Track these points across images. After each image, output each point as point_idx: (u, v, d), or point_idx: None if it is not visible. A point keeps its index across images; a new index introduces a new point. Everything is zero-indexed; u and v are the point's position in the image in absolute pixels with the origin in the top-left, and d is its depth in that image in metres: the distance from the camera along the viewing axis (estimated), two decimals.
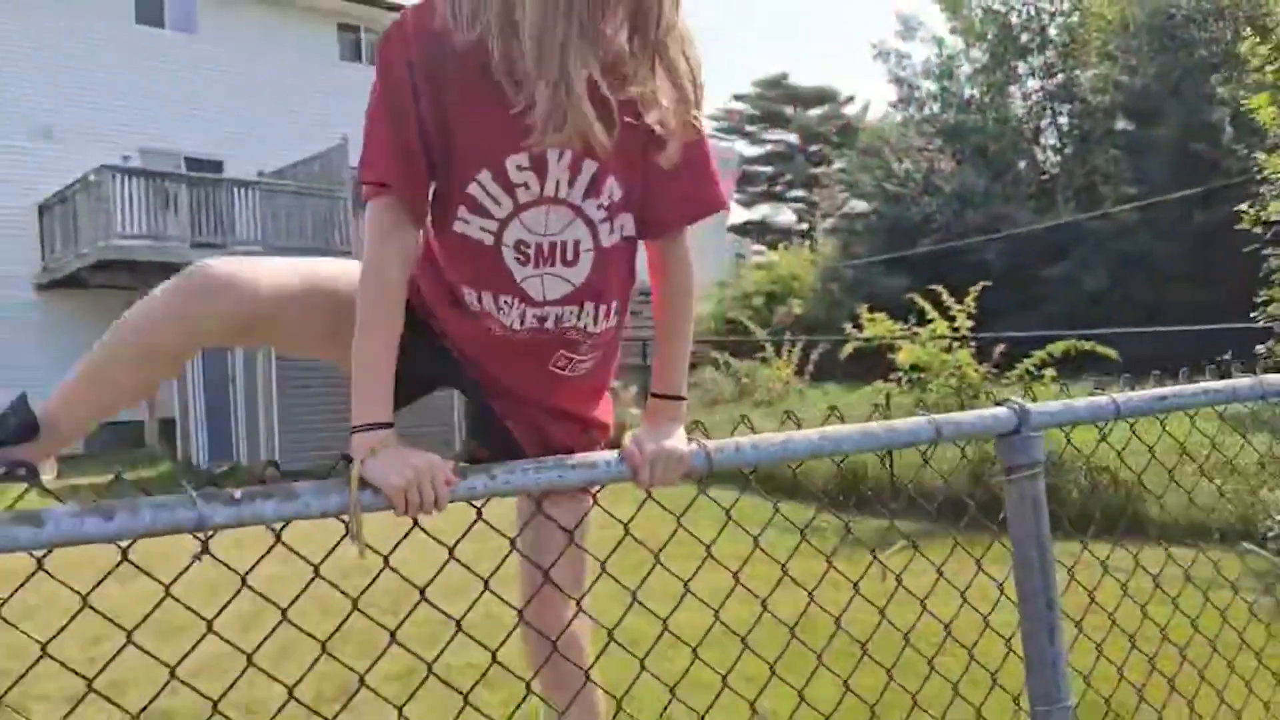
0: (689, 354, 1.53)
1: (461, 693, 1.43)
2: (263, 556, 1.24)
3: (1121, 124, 21.94)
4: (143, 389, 1.38)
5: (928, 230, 22.04)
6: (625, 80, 1.22)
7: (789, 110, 50.60)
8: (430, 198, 1.34)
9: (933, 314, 9.12)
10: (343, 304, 1.33)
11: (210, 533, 1.15)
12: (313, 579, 1.27)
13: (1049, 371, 8.28)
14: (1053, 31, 23.57)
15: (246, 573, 1.23)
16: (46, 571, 1.14)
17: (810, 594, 1.71)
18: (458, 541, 1.39)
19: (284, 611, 1.31)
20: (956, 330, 9.06)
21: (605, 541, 1.62)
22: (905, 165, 23.04)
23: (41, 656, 1.16)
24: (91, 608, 1.16)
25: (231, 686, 1.32)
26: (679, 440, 1.42)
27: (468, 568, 1.41)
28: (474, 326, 1.39)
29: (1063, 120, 23.61)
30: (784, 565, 1.66)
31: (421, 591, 1.37)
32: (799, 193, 49.42)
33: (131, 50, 18.11)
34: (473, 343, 1.41)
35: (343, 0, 20.37)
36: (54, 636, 1.17)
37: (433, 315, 1.42)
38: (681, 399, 1.49)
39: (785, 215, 51.39)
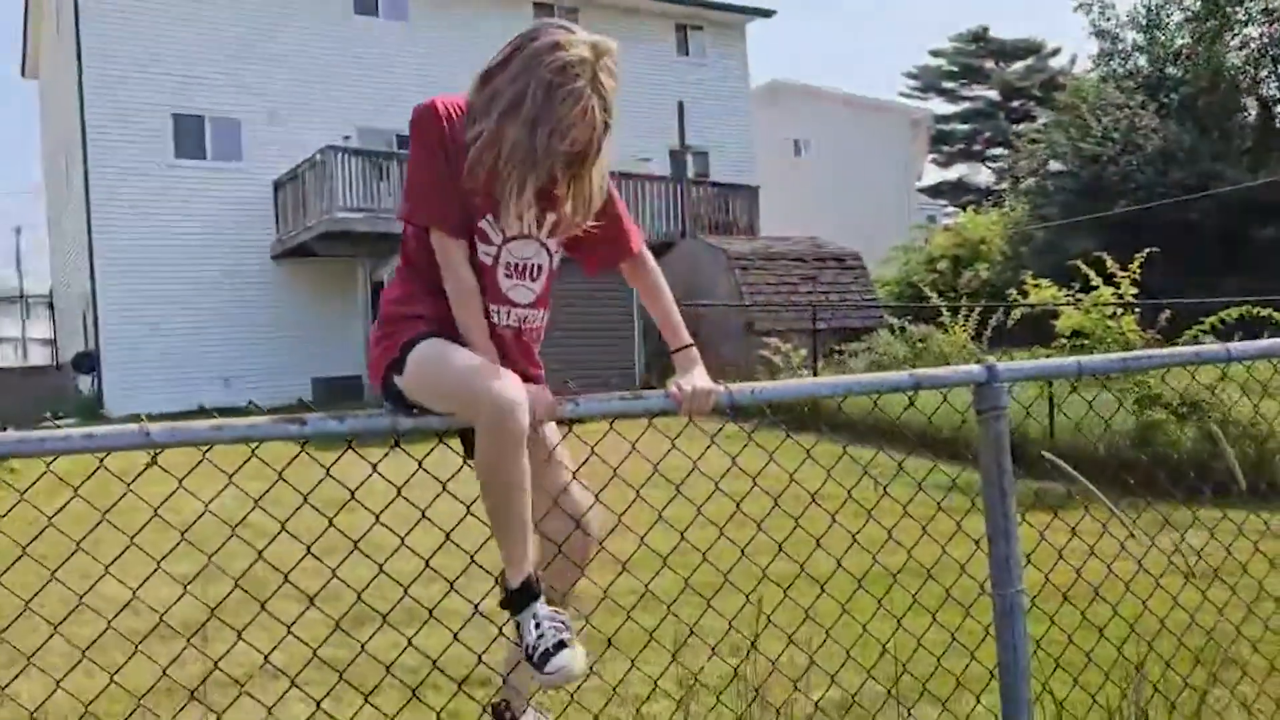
0: (679, 317, 2.16)
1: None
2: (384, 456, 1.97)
3: None
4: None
5: (1126, 190, 21.12)
6: (553, 191, 1.91)
7: (989, 65, 48.64)
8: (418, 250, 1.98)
9: (1096, 280, 9.14)
10: None
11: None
12: None
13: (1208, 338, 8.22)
14: None
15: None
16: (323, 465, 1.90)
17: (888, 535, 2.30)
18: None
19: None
20: (1121, 296, 9.06)
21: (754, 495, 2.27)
22: (1104, 122, 22.07)
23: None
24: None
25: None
26: (705, 380, 2.06)
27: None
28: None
29: None
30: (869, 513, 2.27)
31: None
32: (999, 151, 47.47)
33: (349, 38, 19.89)
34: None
35: None
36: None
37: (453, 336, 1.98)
38: (691, 345, 2.13)
39: (984, 175, 49.61)
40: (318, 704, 2.20)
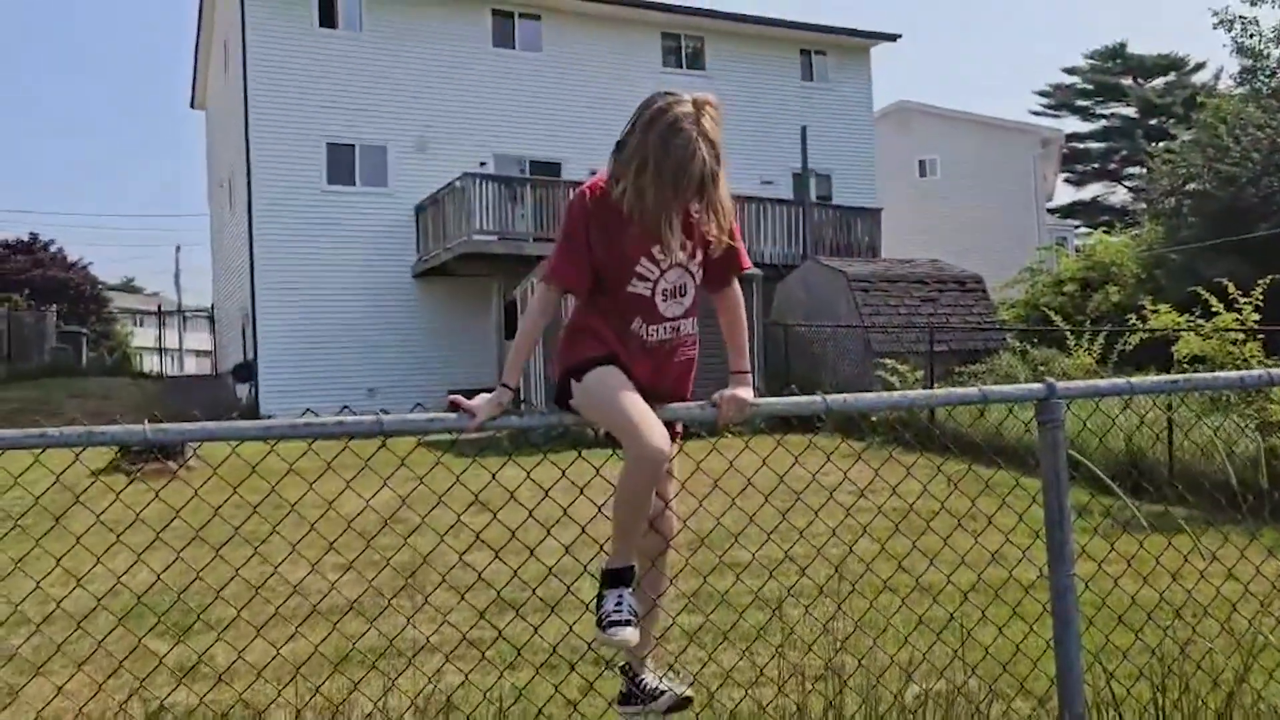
0: (747, 346, 2.63)
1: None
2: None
3: None
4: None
5: (1268, 213, 20.43)
6: (694, 215, 2.43)
7: (1126, 82, 47.24)
8: (596, 284, 2.51)
9: (1218, 306, 9.16)
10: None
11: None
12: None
13: None
14: None
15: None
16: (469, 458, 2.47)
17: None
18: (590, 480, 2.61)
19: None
20: (1243, 323, 9.06)
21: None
22: (1243, 142, 21.39)
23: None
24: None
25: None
26: (748, 394, 2.56)
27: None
28: (634, 342, 2.52)
29: None
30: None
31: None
32: (1136, 170, 45.93)
33: (488, 70, 21.03)
34: (634, 350, 2.53)
35: (665, 14, 22.34)
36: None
37: (619, 351, 2.51)
38: (748, 371, 2.62)
39: (1120, 195, 48.08)
40: (465, 676, 2.77)
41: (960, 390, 2.63)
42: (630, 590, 2.45)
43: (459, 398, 2.52)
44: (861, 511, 2.86)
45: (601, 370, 2.46)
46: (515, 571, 2.62)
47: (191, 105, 27.91)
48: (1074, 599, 2.69)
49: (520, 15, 21.55)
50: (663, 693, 2.62)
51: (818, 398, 2.64)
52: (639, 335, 2.52)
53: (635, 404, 2.40)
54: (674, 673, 2.76)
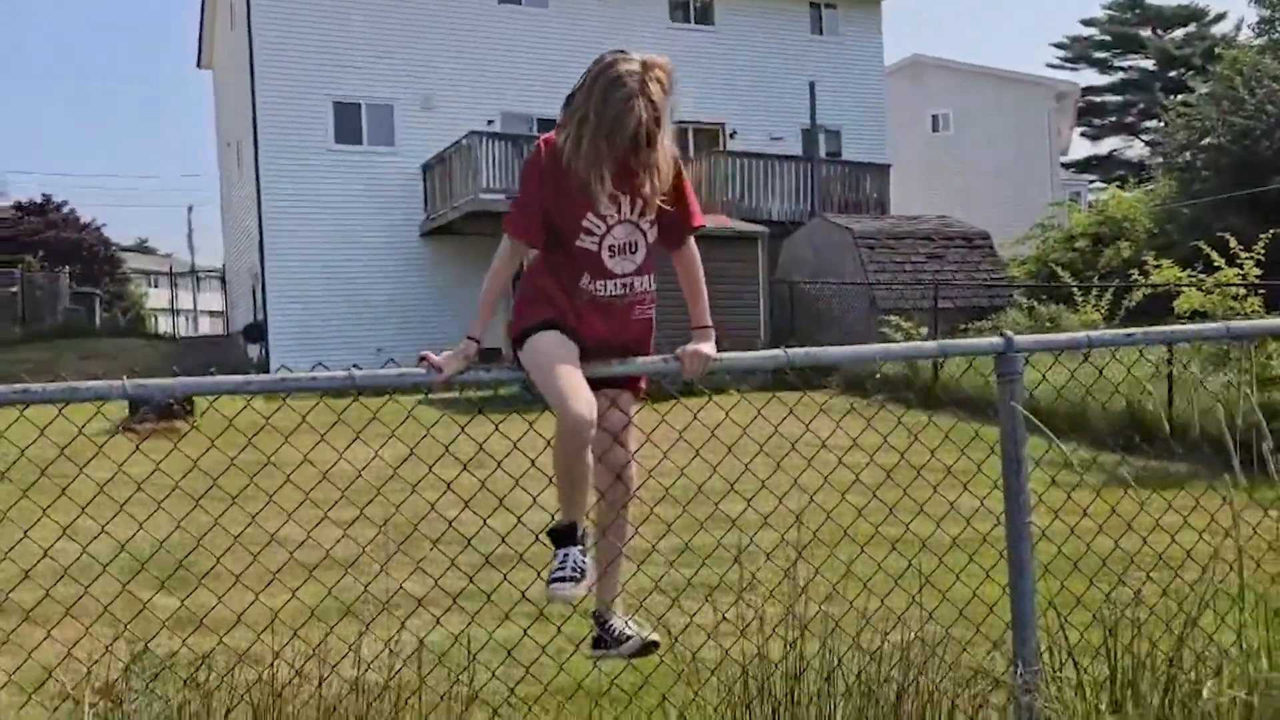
0: (706, 301, 2.67)
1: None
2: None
3: None
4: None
5: None
6: (630, 172, 2.46)
7: (1145, 33, 46.47)
8: (552, 238, 2.57)
9: (1219, 261, 9.14)
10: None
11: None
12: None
13: None
14: None
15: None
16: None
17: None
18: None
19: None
20: (1245, 278, 9.04)
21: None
22: (1259, 95, 21.11)
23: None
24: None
25: None
26: (710, 349, 2.61)
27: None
28: (583, 299, 2.57)
29: None
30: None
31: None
32: (1153, 124, 45.30)
33: (493, 26, 20.89)
34: (582, 308, 2.58)
35: None
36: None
37: (566, 311, 2.56)
38: (709, 326, 2.66)
39: (1137, 149, 47.50)
40: (466, 625, 2.86)
41: (921, 344, 2.69)
42: (580, 549, 2.53)
43: (428, 353, 2.59)
44: (829, 466, 2.93)
45: (542, 336, 2.53)
46: (503, 537, 2.71)
47: (199, 65, 27.85)
48: (1029, 546, 2.76)
49: None
50: (629, 637, 2.71)
51: (780, 351, 2.70)
52: (588, 290, 2.57)
53: (566, 373, 2.46)
54: (641, 620, 2.86)
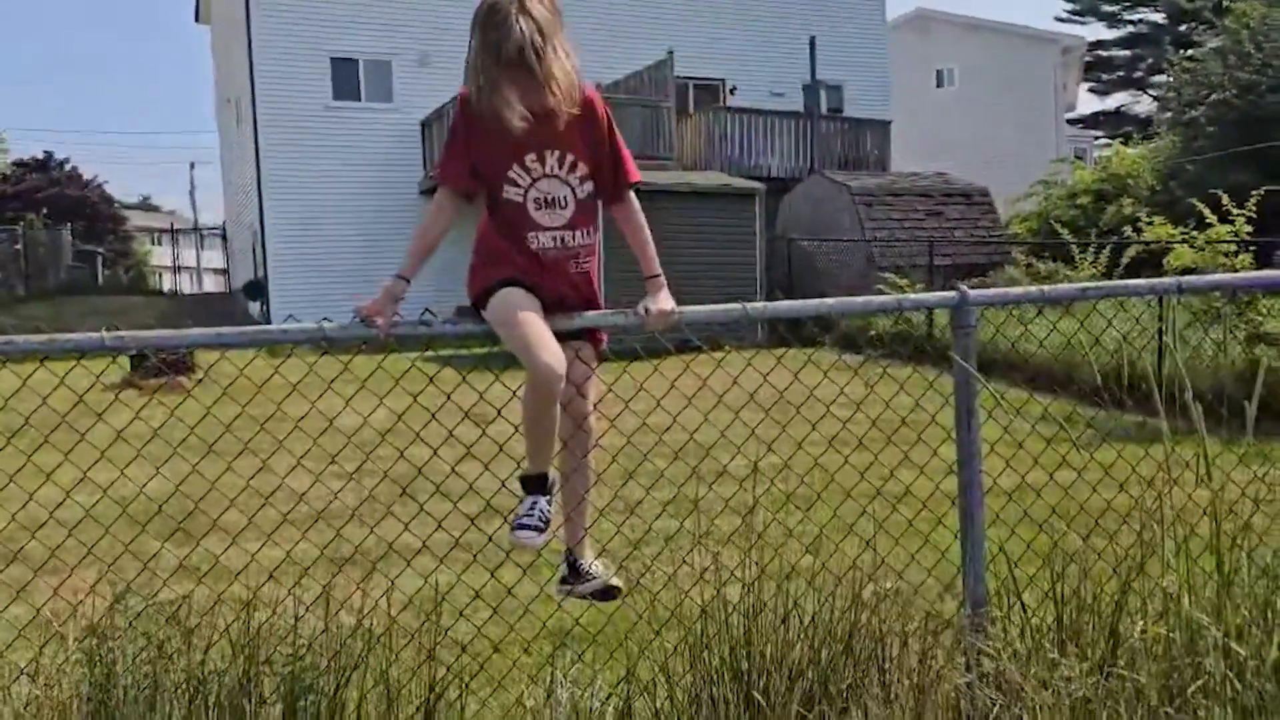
0: (653, 251, 2.72)
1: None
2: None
3: None
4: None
5: None
6: (532, 93, 2.46)
7: None
8: (484, 193, 2.63)
9: (1211, 218, 9.16)
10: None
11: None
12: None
13: None
14: None
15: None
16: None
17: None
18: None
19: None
20: (1236, 235, 9.06)
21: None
22: (1265, 49, 20.90)
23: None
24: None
25: None
26: (669, 303, 2.68)
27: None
28: (525, 254, 2.62)
29: None
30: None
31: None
32: (1162, 79, 44.75)
33: None
34: (528, 264, 2.63)
35: None
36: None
37: (524, 269, 2.61)
38: (659, 275, 2.71)
39: (1145, 104, 46.99)
40: (459, 576, 2.97)
41: (878, 299, 2.77)
42: (546, 498, 2.61)
43: (360, 306, 2.63)
44: (798, 422, 3.02)
45: (503, 293, 2.58)
46: (503, 482, 2.81)
47: (196, 19, 27.67)
48: (979, 494, 2.86)
49: None
50: (594, 577, 2.82)
51: (738, 305, 2.78)
52: (529, 246, 2.63)
53: (531, 324, 2.51)
54: (607, 563, 2.96)
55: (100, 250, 30.53)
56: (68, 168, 37.66)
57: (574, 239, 2.68)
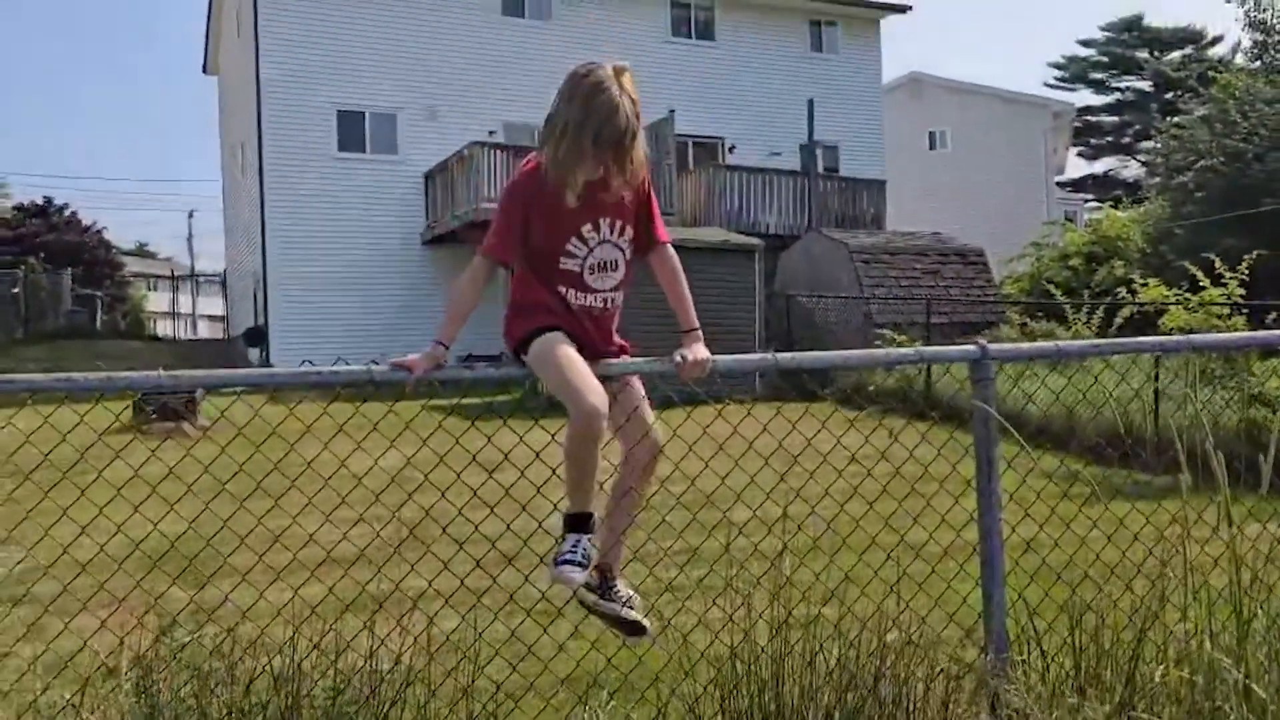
0: (691, 304, 2.80)
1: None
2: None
3: None
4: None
5: (1274, 189, 20.50)
6: (604, 180, 2.59)
7: (1142, 55, 46.89)
8: (529, 259, 2.71)
9: (1204, 281, 9.36)
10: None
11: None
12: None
13: None
14: None
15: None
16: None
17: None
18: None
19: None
20: (1229, 297, 9.25)
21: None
22: (1251, 118, 21.41)
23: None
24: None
25: None
26: (703, 352, 2.76)
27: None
28: (571, 311, 2.71)
29: None
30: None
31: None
32: (1149, 145, 45.59)
33: (498, 38, 21.15)
34: (573, 320, 2.71)
35: None
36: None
37: (563, 319, 2.69)
38: (697, 329, 2.79)
39: (1133, 169, 47.84)
40: (495, 615, 3.04)
41: (899, 350, 2.88)
42: (589, 538, 2.64)
43: (400, 358, 2.68)
44: (815, 470, 3.12)
45: (545, 337, 2.64)
46: (508, 524, 2.88)
47: (204, 71, 28.09)
48: (999, 541, 2.95)
49: None
50: (619, 601, 2.77)
51: (768, 355, 2.89)
52: (569, 300, 2.71)
53: (574, 366, 2.57)
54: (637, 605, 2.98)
55: (99, 295, 30.59)
56: (67, 213, 37.83)
57: (619, 299, 2.78)
